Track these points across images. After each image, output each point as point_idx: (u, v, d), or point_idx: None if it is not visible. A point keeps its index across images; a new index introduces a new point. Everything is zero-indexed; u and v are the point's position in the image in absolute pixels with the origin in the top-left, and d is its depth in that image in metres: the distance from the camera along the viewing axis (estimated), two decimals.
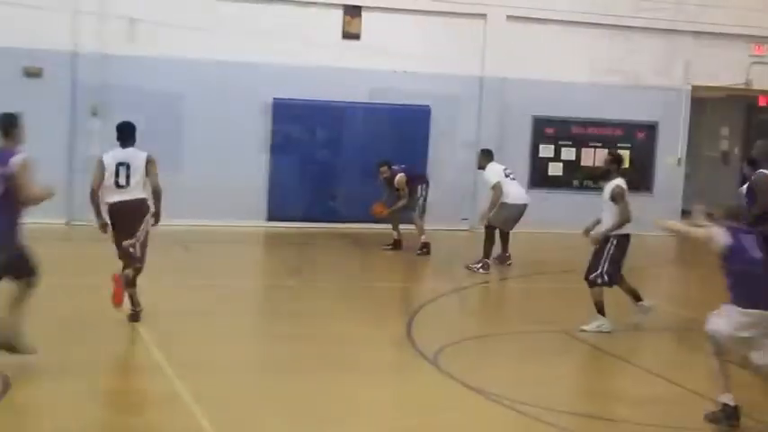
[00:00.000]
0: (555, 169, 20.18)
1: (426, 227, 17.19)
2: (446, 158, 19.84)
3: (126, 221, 10.88)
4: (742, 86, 21.14)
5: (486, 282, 15.02)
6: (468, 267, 15.21)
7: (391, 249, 17.09)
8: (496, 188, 15.39)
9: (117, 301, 10.57)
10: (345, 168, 19.61)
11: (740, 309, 7.85)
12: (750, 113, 23.31)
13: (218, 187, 18.26)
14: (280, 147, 18.91)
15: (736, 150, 23.43)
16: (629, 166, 19.28)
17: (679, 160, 21.26)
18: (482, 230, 15.83)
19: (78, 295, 11.89)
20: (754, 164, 11.46)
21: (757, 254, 7.92)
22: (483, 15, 19.85)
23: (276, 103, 18.89)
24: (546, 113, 20.29)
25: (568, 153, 20.14)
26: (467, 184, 19.65)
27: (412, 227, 17.02)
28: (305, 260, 16.70)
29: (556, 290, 14.39)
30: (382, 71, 19.50)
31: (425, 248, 16.81)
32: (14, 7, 17.42)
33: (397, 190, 16.64)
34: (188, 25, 18.31)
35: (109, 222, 10.94)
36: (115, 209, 10.89)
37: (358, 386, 9.11)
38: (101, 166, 11.07)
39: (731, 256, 7.94)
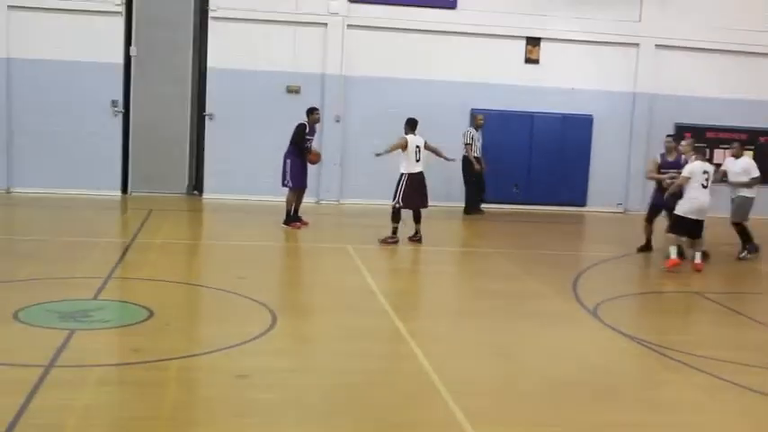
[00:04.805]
0: None
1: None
2: (605, 155, 21.44)
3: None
4: None
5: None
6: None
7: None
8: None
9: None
10: (528, 163, 21.27)
11: None
12: None
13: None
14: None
15: None
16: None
17: None
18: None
19: None
20: None
21: None
22: (636, 45, 21.40)
23: (473, 112, 20.52)
24: (685, 122, 21.49)
25: None
26: (622, 174, 21.50)
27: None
28: (486, 230, 17.99)
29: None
30: (555, 88, 21.20)
31: None
32: (281, 43, 20.41)
33: None
34: (408, 56, 20.78)
35: None
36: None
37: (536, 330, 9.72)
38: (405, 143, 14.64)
39: None
